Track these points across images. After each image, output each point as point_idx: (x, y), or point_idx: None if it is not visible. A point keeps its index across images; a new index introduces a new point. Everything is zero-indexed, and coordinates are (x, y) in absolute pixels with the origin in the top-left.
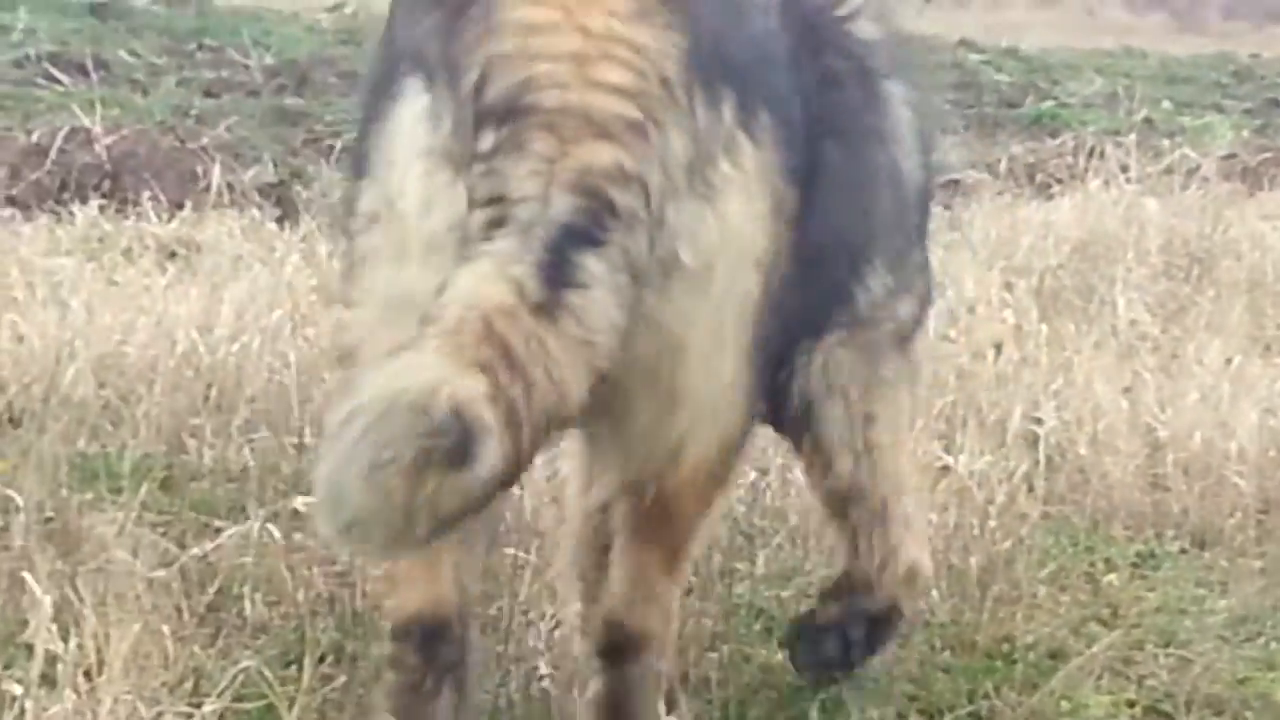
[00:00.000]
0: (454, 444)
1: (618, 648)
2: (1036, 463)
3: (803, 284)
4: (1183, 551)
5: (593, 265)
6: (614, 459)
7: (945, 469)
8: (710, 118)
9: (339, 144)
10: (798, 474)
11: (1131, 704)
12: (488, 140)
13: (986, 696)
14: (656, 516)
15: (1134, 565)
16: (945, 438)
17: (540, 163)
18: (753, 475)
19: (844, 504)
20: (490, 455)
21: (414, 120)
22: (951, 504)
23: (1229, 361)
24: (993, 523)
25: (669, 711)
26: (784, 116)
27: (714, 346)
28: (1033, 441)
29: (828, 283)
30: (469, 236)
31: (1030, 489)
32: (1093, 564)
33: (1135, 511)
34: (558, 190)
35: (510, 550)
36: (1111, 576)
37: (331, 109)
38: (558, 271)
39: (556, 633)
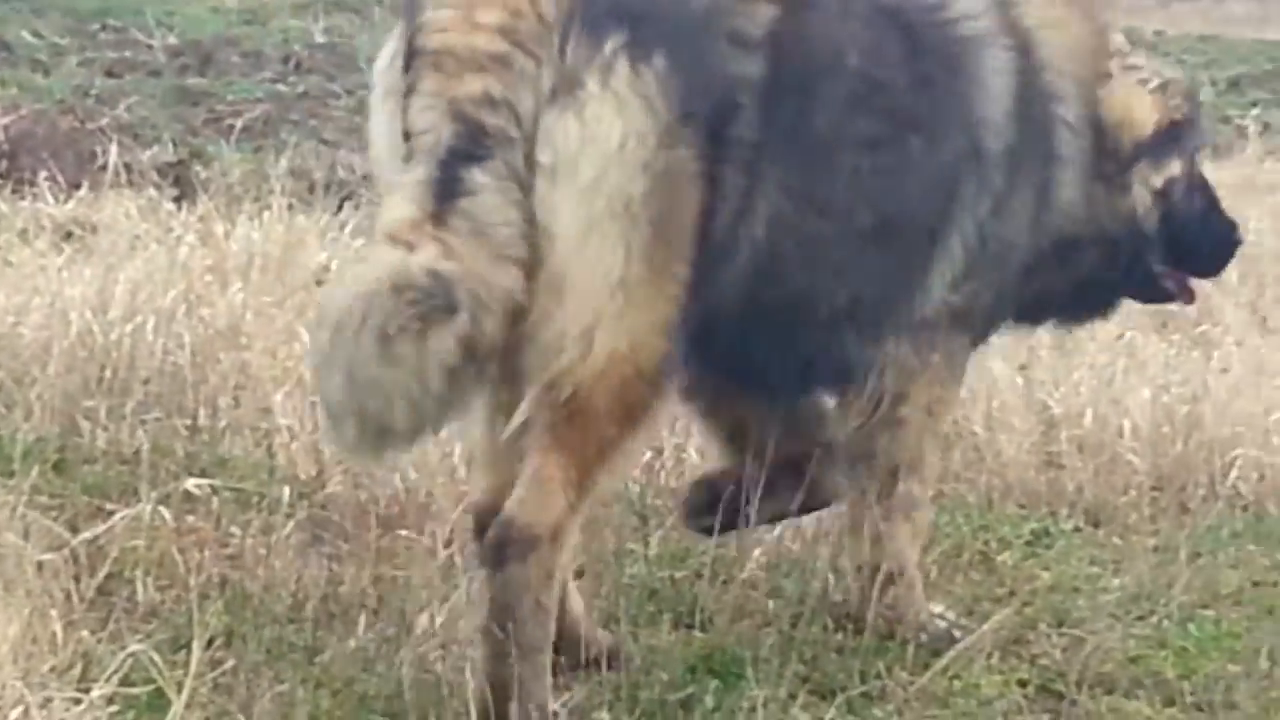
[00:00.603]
0: (441, 297)
1: (503, 546)
2: None
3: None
4: (1077, 529)
5: (477, 176)
6: (533, 363)
7: None
8: (586, 49)
9: (240, 123)
10: (692, 453)
11: (1023, 683)
12: (407, 80)
13: (878, 676)
14: (568, 418)
15: (1028, 543)
16: None
17: (431, 98)
18: (648, 454)
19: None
20: (467, 300)
21: (385, 61)
22: None
23: (1121, 338)
24: None
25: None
26: (687, 65)
27: (586, 235)
28: None
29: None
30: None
31: None
32: (987, 542)
33: (1030, 489)
34: (444, 120)
35: (404, 532)
36: (1005, 555)
37: (234, 89)
38: (448, 186)
39: (448, 615)
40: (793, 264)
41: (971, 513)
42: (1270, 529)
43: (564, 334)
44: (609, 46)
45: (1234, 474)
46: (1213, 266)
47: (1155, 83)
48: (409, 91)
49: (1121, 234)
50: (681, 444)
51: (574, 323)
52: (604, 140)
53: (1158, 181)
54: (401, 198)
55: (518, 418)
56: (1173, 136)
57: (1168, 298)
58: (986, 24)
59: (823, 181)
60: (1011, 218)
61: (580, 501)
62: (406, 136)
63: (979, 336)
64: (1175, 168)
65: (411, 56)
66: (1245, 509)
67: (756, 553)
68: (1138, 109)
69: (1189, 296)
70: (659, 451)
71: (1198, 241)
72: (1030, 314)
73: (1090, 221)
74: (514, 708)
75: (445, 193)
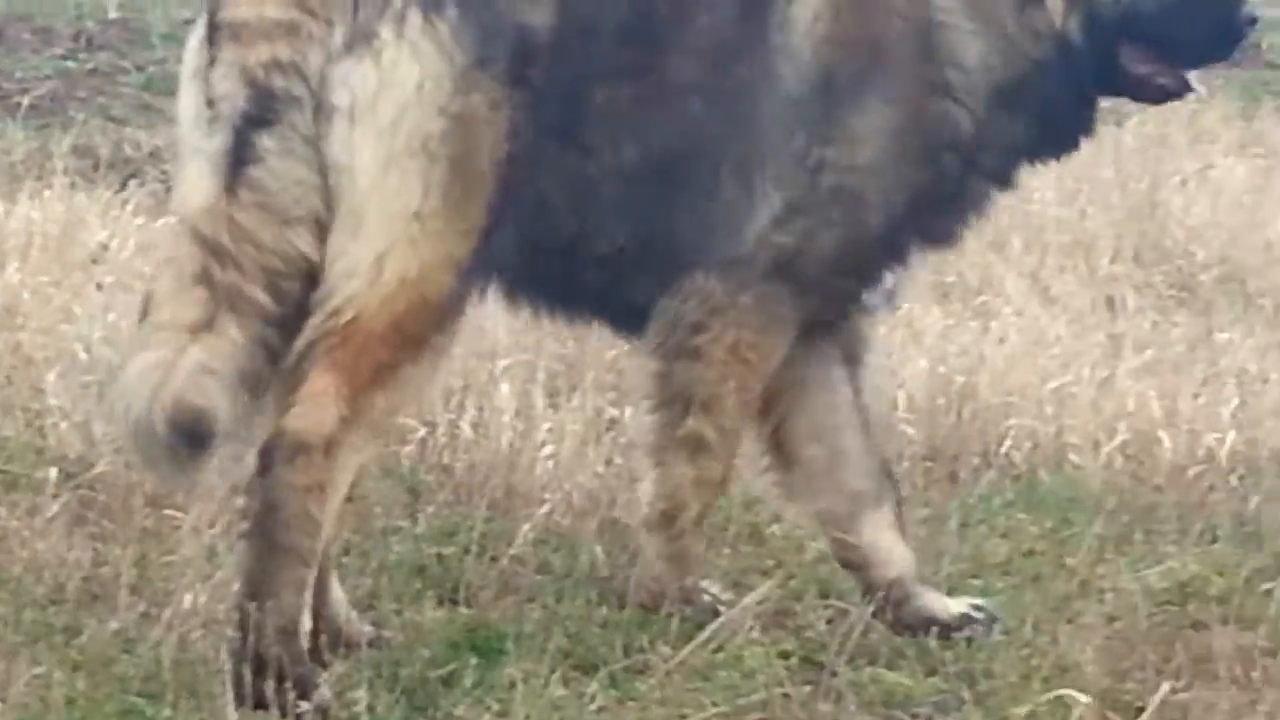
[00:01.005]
0: (186, 444)
1: (273, 450)
2: None
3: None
4: None
5: (266, 141)
6: (321, 295)
7: (613, 421)
8: (377, 5)
9: (27, 101)
10: (466, 428)
11: (786, 655)
12: (209, 53)
13: (641, 650)
14: (347, 339)
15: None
16: (616, 389)
17: (229, 67)
18: (421, 431)
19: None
20: (223, 413)
21: (192, 45)
22: (616, 455)
23: (899, 309)
24: None
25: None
26: (478, 13)
27: (385, 171)
28: None
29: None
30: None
31: None
32: (757, 514)
33: None
34: (239, 86)
35: (171, 512)
36: (775, 527)
37: (23, 65)
38: (240, 154)
39: (210, 595)
40: (559, 203)
41: (746, 486)
42: (1042, 497)
43: (357, 261)
44: (399, 1)
45: (1007, 443)
46: (1207, 49)
47: None
48: (211, 63)
49: (1050, 56)
50: (455, 420)
51: (367, 250)
52: (401, 84)
53: None
54: (202, 167)
55: (297, 344)
56: None
57: (1166, 95)
58: None
59: (580, 119)
60: (856, 146)
61: (355, 417)
62: (210, 105)
63: (827, 286)
64: None
65: (213, 30)
66: (1018, 478)
67: (525, 528)
68: None
69: (1186, 88)
70: (432, 427)
71: (1167, 24)
72: (998, 179)
73: (1017, 62)
74: (264, 616)
75: (238, 160)
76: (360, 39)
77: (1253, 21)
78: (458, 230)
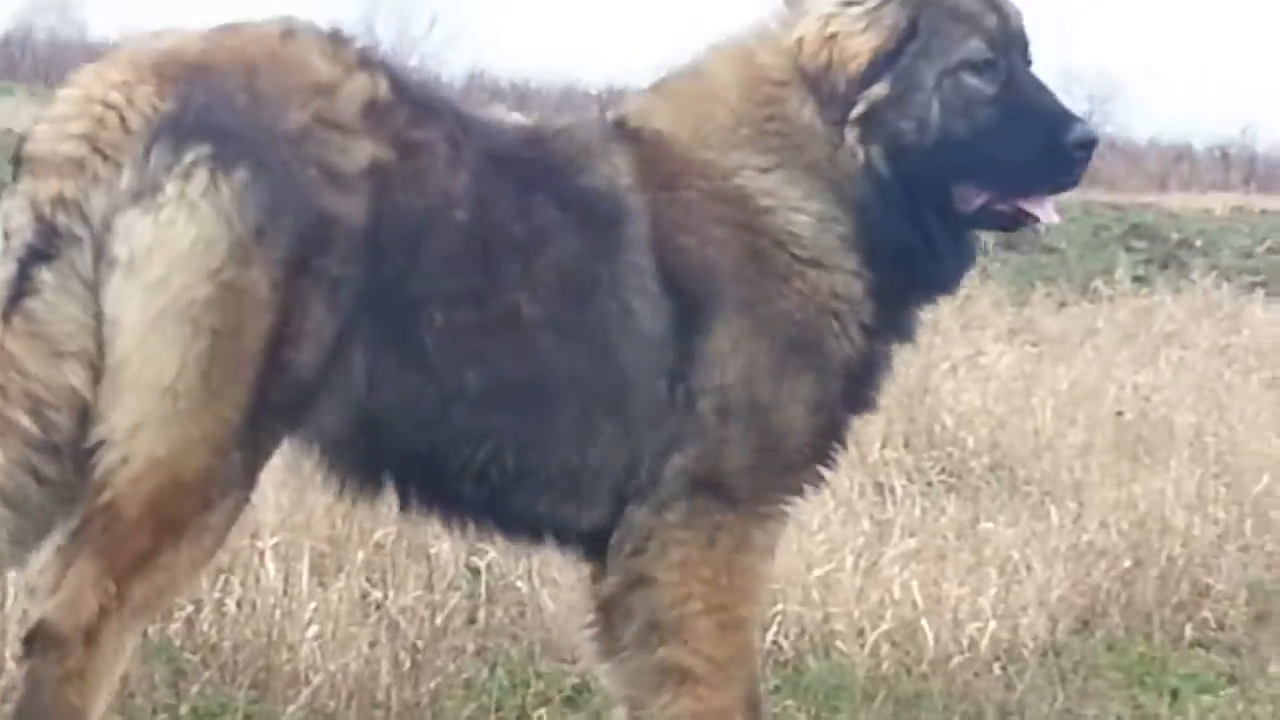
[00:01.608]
0: None
1: (33, 640)
2: (475, 595)
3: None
4: None
5: (45, 275)
6: (92, 461)
7: (379, 603)
8: (168, 157)
9: None
10: (232, 605)
11: None
12: (11, 185)
13: None
14: (101, 521)
15: (567, 699)
16: (381, 570)
17: (23, 199)
18: (187, 608)
19: None
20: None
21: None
22: (382, 636)
23: None
24: (425, 658)
25: None
26: (269, 186)
27: (147, 332)
28: (475, 573)
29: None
30: None
31: (471, 621)
32: (524, 698)
33: (572, 644)
34: (27, 219)
35: None
36: (543, 710)
37: None
38: (20, 285)
39: None
40: (401, 417)
41: (513, 667)
42: (808, 684)
43: (114, 430)
44: (190, 157)
45: (774, 629)
46: (1037, 178)
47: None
48: (10, 194)
49: (868, 193)
50: (221, 598)
51: (123, 421)
52: (174, 242)
53: (856, 116)
54: None
55: (72, 523)
56: (880, 63)
57: (1012, 224)
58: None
59: (415, 335)
60: (717, 366)
61: (117, 608)
62: (5, 237)
63: (765, 489)
64: (880, 90)
65: (17, 162)
66: (784, 664)
67: (290, 709)
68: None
69: (1029, 217)
70: (198, 604)
71: (986, 151)
72: (895, 331)
73: (850, 208)
74: None
75: (17, 291)
76: (146, 189)
77: (1086, 145)
78: (215, 411)
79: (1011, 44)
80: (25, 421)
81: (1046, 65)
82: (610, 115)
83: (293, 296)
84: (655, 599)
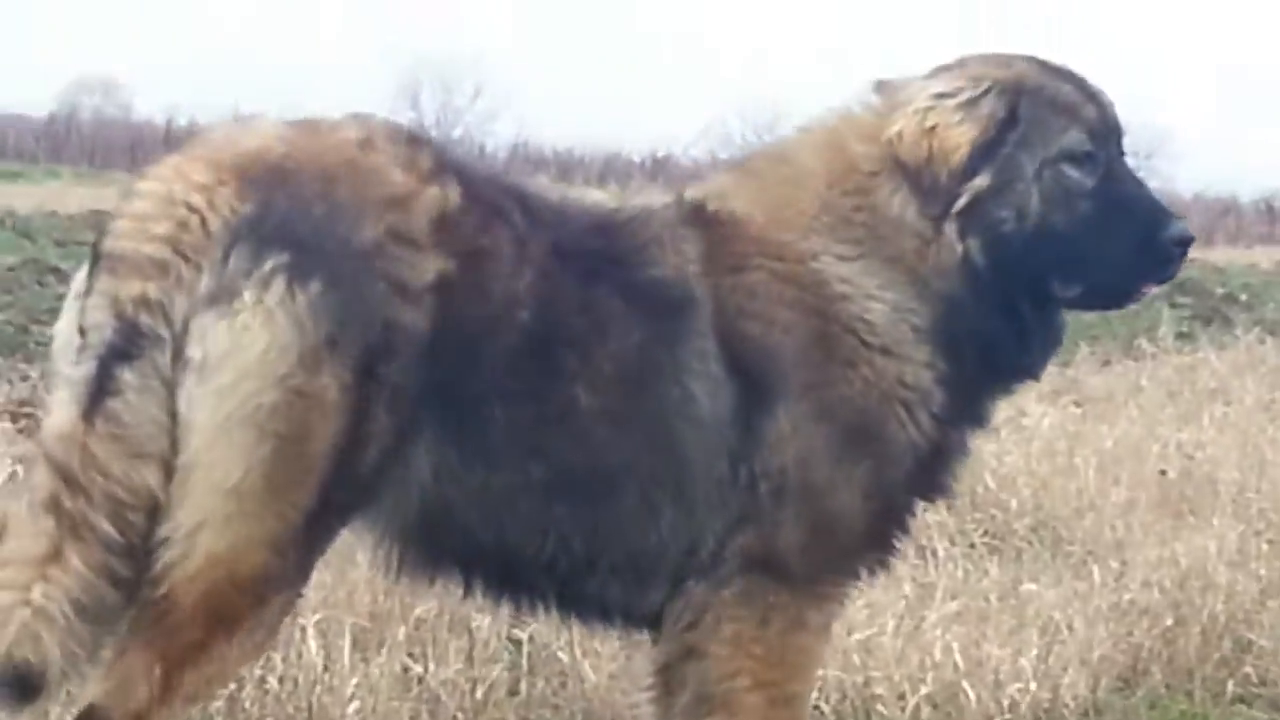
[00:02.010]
0: (12, 697)
1: None
2: (516, 667)
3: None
4: None
5: (127, 375)
6: (153, 555)
7: (420, 677)
8: (247, 263)
9: None
10: (274, 682)
11: None
12: (88, 281)
13: None
14: (157, 612)
15: None
16: (419, 645)
17: (103, 297)
18: (230, 686)
19: None
20: (53, 663)
21: (81, 272)
22: (424, 711)
23: None
24: None
25: None
26: (342, 297)
27: (215, 435)
28: (516, 645)
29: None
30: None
31: (512, 693)
32: None
33: (616, 713)
34: (108, 318)
35: None
36: None
37: None
38: (102, 384)
39: None
40: (468, 510)
41: None
42: None
43: (177, 528)
44: (269, 264)
45: (814, 694)
46: (1131, 273)
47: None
48: (87, 291)
49: (960, 288)
50: (263, 675)
51: (187, 519)
52: (248, 348)
53: (959, 209)
54: (66, 395)
55: (132, 615)
56: (980, 154)
57: (1112, 304)
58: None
59: (484, 433)
60: (776, 449)
61: (166, 698)
62: (81, 333)
63: (820, 573)
64: (982, 182)
65: (95, 260)
66: None
67: None
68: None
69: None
70: (240, 682)
71: (1083, 243)
72: (968, 418)
73: (934, 301)
74: None
75: (99, 390)
76: (224, 294)
77: (1184, 243)
78: (276, 511)
79: (1110, 136)
80: (106, 526)
81: None
82: (689, 195)
83: (358, 402)
84: (706, 671)
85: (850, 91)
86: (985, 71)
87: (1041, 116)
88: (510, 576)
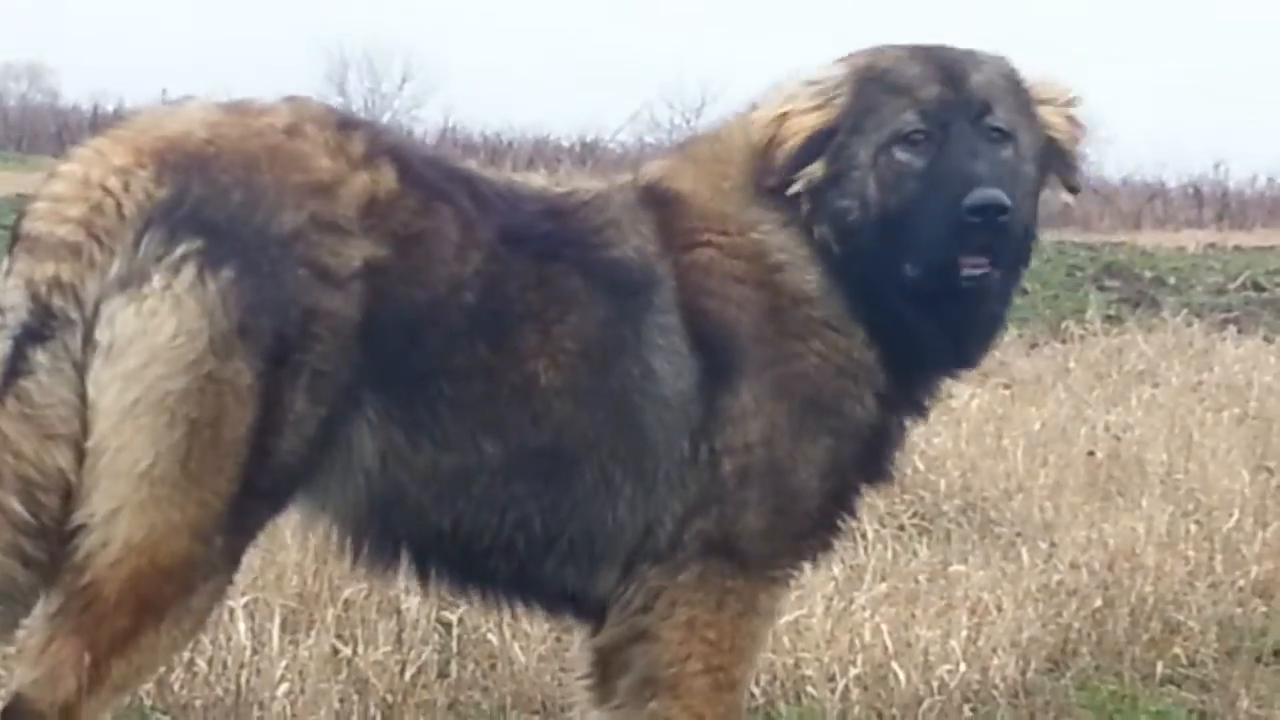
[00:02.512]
0: None
1: (13, 716)
2: (446, 649)
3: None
4: None
5: (39, 356)
6: (71, 544)
7: (349, 660)
8: (159, 248)
9: None
10: (202, 664)
11: None
12: (7, 262)
13: None
14: (81, 602)
15: None
16: (348, 627)
17: (19, 278)
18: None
19: None
20: None
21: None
22: (352, 692)
23: None
24: (396, 714)
25: None
26: (256, 284)
27: (123, 419)
28: (446, 627)
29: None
30: None
31: (442, 675)
32: None
33: (547, 695)
34: (23, 299)
35: None
36: None
37: None
38: (15, 364)
39: None
40: (419, 493)
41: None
42: None
43: (93, 514)
44: (180, 250)
45: None
46: (942, 246)
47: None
48: (6, 272)
49: (831, 269)
50: (192, 657)
51: (102, 505)
52: (155, 333)
53: (796, 194)
54: None
55: (54, 599)
56: (816, 143)
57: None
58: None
59: (431, 414)
60: (740, 425)
61: (95, 686)
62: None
63: (776, 554)
64: (817, 169)
65: (14, 240)
66: (754, 711)
67: None
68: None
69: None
70: (169, 665)
71: (908, 225)
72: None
73: (839, 278)
74: None
75: (12, 371)
76: (134, 278)
77: (979, 209)
78: (195, 497)
79: (955, 111)
80: (16, 505)
81: None
82: (640, 181)
83: (275, 388)
84: (655, 655)
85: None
86: (858, 61)
87: (877, 102)
88: (467, 560)
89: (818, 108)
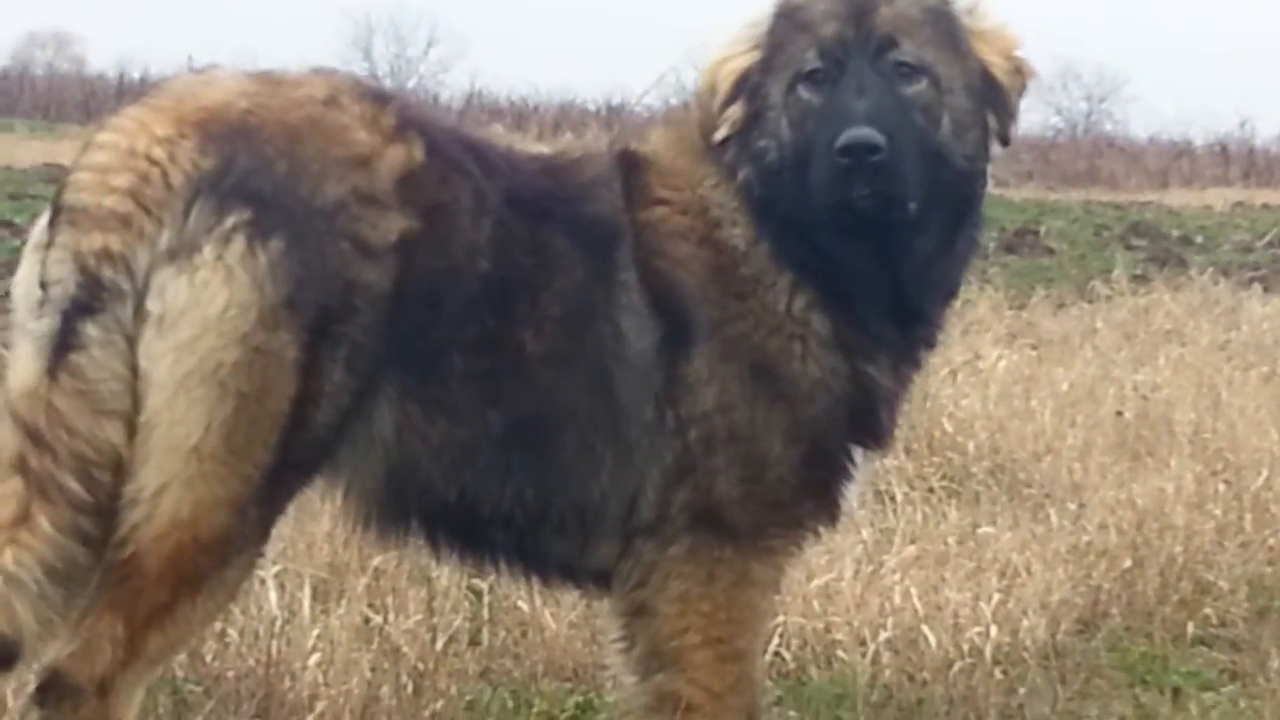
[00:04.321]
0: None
1: (46, 690)
2: (477, 617)
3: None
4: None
5: (90, 329)
6: (117, 516)
7: (380, 628)
8: (208, 219)
9: None
10: (234, 635)
11: None
12: (49, 234)
13: None
14: (120, 575)
15: (572, 718)
16: (378, 596)
17: (64, 250)
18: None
19: None
20: (26, 631)
21: (40, 223)
22: (384, 661)
23: None
24: (427, 682)
25: None
26: (303, 256)
27: (176, 391)
28: (477, 595)
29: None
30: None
31: (474, 643)
32: (528, 718)
33: (578, 662)
34: (70, 272)
35: None
36: None
37: None
38: (65, 338)
39: None
40: (431, 465)
41: (516, 687)
42: (810, 695)
43: (142, 489)
44: (230, 221)
45: (775, 641)
46: (822, 189)
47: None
48: (48, 244)
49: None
50: (224, 628)
51: (151, 480)
52: (208, 304)
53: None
54: (29, 349)
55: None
56: (739, 85)
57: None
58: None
59: (445, 386)
60: (699, 391)
61: (131, 660)
62: (43, 286)
63: (762, 524)
64: (736, 111)
65: (55, 212)
66: (786, 675)
67: None
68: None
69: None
70: (200, 635)
71: (808, 169)
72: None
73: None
74: None
75: (62, 345)
76: (184, 249)
77: (847, 150)
78: (238, 471)
79: (853, 47)
80: (74, 484)
81: (1045, 66)
82: (619, 142)
83: (316, 360)
84: (655, 629)
85: None
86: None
87: (787, 40)
88: (471, 532)
89: (744, 50)
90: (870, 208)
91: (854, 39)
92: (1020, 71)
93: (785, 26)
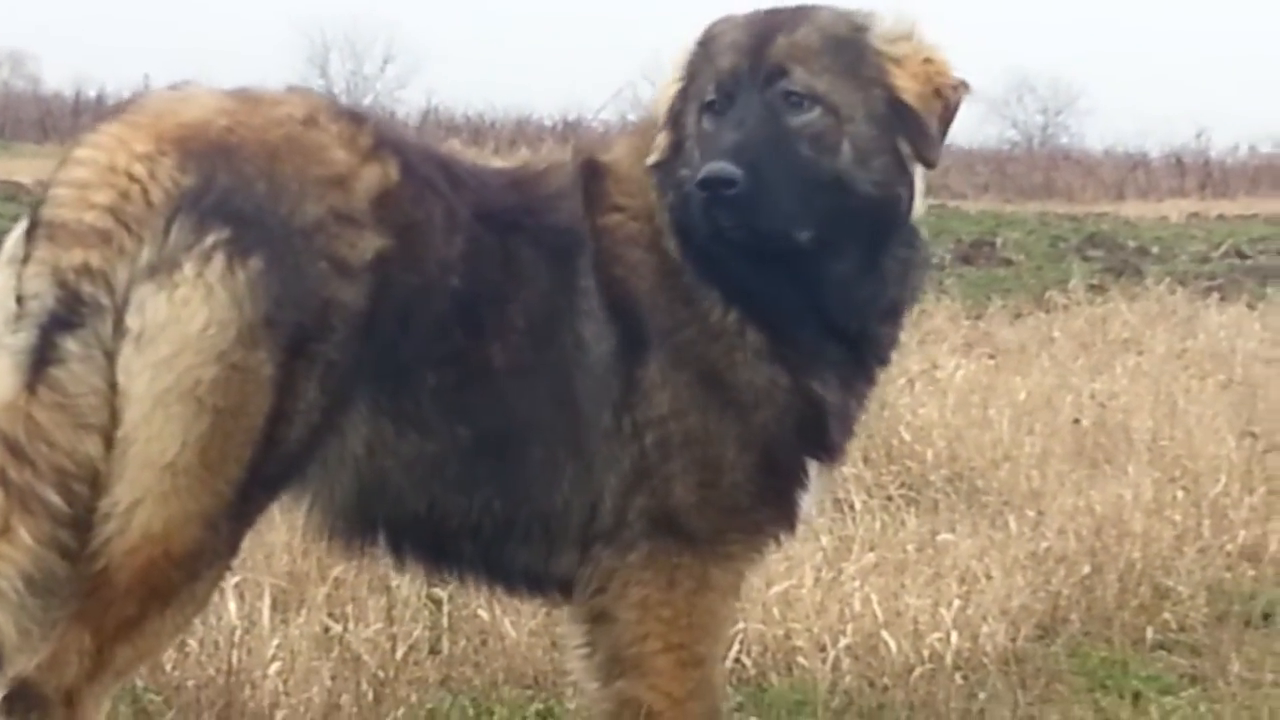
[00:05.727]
0: None
1: (13, 700)
2: (436, 625)
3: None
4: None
5: (69, 344)
6: (92, 528)
7: (339, 637)
8: (189, 236)
9: None
10: (194, 644)
11: None
12: (26, 248)
13: None
14: (94, 589)
15: None
16: (338, 605)
17: (42, 265)
18: None
19: None
20: (6, 638)
21: (14, 235)
22: (344, 671)
23: None
24: (388, 690)
25: None
26: (282, 275)
27: (154, 408)
28: (436, 603)
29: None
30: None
31: (433, 652)
32: None
33: (537, 670)
34: (49, 287)
35: None
36: None
37: None
38: (44, 353)
39: None
40: (402, 479)
41: (476, 695)
42: (771, 700)
43: (116, 504)
44: (210, 239)
45: (735, 647)
46: (696, 219)
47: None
48: (25, 258)
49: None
50: (183, 638)
51: (126, 495)
52: (187, 321)
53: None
54: (7, 364)
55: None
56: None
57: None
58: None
59: (416, 402)
60: (653, 396)
61: (98, 671)
62: (19, 300)
63: (722, 530)
64: (662, 139)
65: (33, 226)
66: (746, 682)
67: None
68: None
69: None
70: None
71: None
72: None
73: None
74: None
75: (41, 360)
76: (164, 265)
77: (704, 184)
78: (211, 487)
79: (742, 79)
80: (53, 497)
81: (1000, 78)
82: (583, 153)
83: (291, 378)
84: (616, 635)
85: None
86: (705, 29)
87: (699, 70)
88: (438, 544)
89: (675, 78)
90: (741, 239)
91: (746, 70)
92: (939, 94)
93: (700, 56)
